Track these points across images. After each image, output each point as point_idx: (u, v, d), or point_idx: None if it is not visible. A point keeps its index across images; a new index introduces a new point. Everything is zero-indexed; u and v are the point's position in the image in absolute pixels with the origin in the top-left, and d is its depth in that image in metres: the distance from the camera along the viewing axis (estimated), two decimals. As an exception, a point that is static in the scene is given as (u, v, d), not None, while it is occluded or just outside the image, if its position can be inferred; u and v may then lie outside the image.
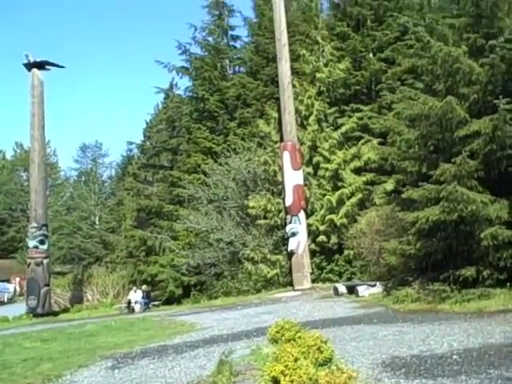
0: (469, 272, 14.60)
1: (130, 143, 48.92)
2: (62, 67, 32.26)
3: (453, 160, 15.99)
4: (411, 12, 28.32)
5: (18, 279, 51.58)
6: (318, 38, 28.70)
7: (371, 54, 29.49)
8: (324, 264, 25.02)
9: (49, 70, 31.38)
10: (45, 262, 29.44)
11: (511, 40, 16.21)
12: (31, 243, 29.53)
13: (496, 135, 15.45)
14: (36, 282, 28.76)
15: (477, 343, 9.71)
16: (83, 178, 70.58)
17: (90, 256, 48.00)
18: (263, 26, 35.04)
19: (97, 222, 59.44)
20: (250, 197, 26.95)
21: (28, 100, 31.01)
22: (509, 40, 16.22)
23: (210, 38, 37.78)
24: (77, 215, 57.38)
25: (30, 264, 29.37)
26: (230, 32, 38.30)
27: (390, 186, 23.62)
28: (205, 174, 31.28)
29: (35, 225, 29.71)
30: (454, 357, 8.77)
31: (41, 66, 30.65)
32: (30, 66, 30.19)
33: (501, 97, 15.28)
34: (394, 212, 18.55)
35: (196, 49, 37.30)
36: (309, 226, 24.43)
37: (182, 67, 36.87)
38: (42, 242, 29.55)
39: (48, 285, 29.49)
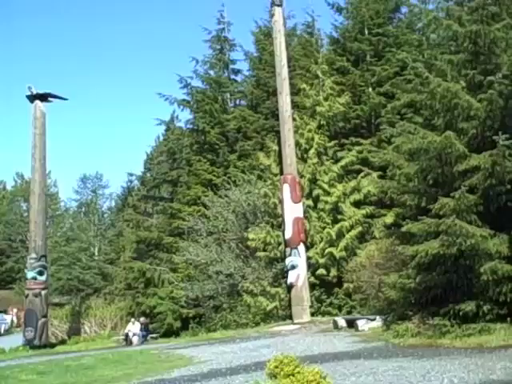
0: (469, 307, 14.55)
1: (131, 174, 49.12)
2: (65, 99, 32.56)
3: (452, 194, 16.04)
4: (410, 48, 28.81)
5: (15, 310, 51.29)
6: (318, 73, 29.06)
7: (371, 89, 29.81)
8: (323, 297, 24.91)
9: (51, 101, 31.66)
10: (43, 293, 29.30)
11: (509, 76, 16.43)
12: (30, 274, 29.42)
13: (495, 170, 15.54)
14: (34, 313, 28.57)
15: (477, 379, 9.61)
16: (83, 209, 70.69)
17: (89, 287, 47.80)
18: (264, 60, 35.50)
19: (96, 254, 59.31)
20: (249, 229, 26.95)
21: (30, 131, 31.23)
22: (506, 76, 16.43)
23: (212, 72, 38.21)
24: (76, 246, 57.28)
25: (28, 295, 29.22)
26: (231, 66, 38.81)
27: (389, 219, 23.68)
28: (205, 206, 31.31)
29: (34, 256, 29.65)
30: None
31: (43, 97, 30.93)
32: (32, 97, 30.46)
33: (500, 132, 15.43)
34: (393, 245, 18.58)
35: (197, 82, 37.70)
36: (308, 258, 24.38)
37: (184, 100, 37.19)
38: (40, 273, 29.45)
39: (46, 316, 29.30)
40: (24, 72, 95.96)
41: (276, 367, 8.12)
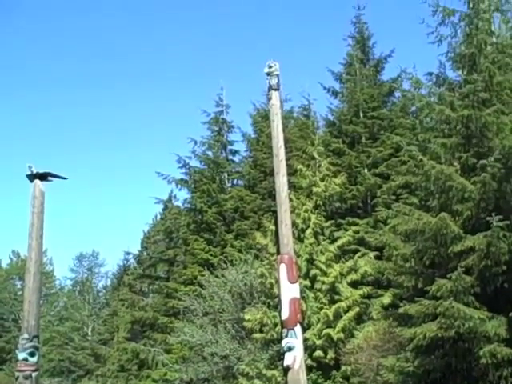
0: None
1: (128, 253, 49.01)
2: (65, 178, 32.89)
3: (449, 275, 16.10)
4: (404, 130, 29.45)
5: None
6: (315, 154, 29.49)
7: (366, 170, 30.22)
8: (321, 380, 24.20)
9: (51, 181, 31.97)
10: (34, 375, 28.16)
11: (501, 159, 16.80)
12: (21, 355, 28.50)
13: (490, 251, 15.70)
14: (23, 397, 27.75)
15: None
16: (78, 288, 69.87)
17: (81, 369, 46.59)
18: (261, 141, 36.20)
19: (89, 333, 58.25)
20: (246, 309, 26.60)
21: (27, 209, 31.26)
22: (498, 159, 16.81)
23: (210, 152, 38.86)
24: (69, 326, 56.24)
25: (18, 377, 28.13)
26: (229, 147, 39.56)
27: (386, 299, 23.46)
28: (201, 285, 31.05)
29: (26, 336, 28.83)
30: None
31: (43, 177, 31.28)
32: (32, 177, 30.79)
33: (493, 214, 15.65)
34: (391, 327, 18.41)
35: (195, 162, 38.33)
36: (305, 340, 23.79)
37: (182, 179, 37.68)
38: (32, 355, 28.54)
39: (35, 401, 28.43)
40: (22, 149, 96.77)
41: None
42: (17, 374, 29.42)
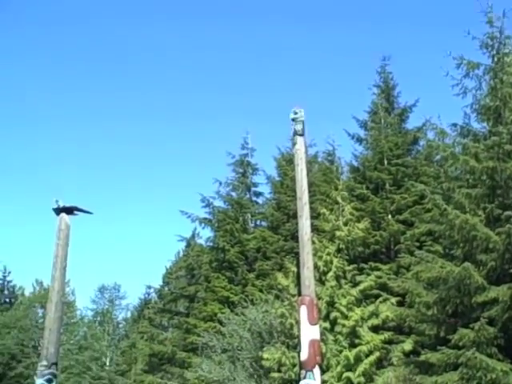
0: None
1: (149, 287, 49.43)
2: (90, 213, 33.63)
3: (471, 325, 16.22)
4: (428, 178, 29.59)
5: None
6: (338, 199, 29.75)
7: (390, 216, 30.42)
8: (339, 424, 24.11)
9: (77, 214, 32.73)
10: (51, 401, 28.75)
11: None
12: (38, 381, 28.68)
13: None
14: (40, 424, 27.90)
15: None
16: (98, 318, 70.31)
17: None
18: (285, 184, 36.66)
19: (107, 363, 58.35)
20: (264, 348, 26.69)
21: (53, 241, 31.91)
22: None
23: (234, 193, 39.42)
24: (88, 355, 56.42)
25: (35, 403, 28.70)
26: (253, 188, 40.04)
27: (408, 346, 23.28)
28: (220, 322, 31.20)
29: (45, 363, 29.11)
30: None
31: (69, 210, 32.05)
32: (58, 210, 31.57)
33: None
34: (411, 374, 18.43)
35: (219, 202, 38.83)
36: (324, 382, 23.82)
37: (205, 218, 38.09)
38: (49, 381, 28.85)
39: (52, 427, 28.54)
40: (48, 182, 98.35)
41: None
42: (34, 399, 29.79)
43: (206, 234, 39.39)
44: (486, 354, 15.56)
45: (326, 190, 31.76)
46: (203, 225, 38.35)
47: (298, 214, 28.68)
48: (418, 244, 25.77)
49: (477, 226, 18.25)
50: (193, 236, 42.48)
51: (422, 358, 17.73)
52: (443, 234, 20.30)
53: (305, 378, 23.57)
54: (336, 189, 30.43)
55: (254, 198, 40.09)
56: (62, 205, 34.12)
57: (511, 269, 16.34)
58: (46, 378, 29.59)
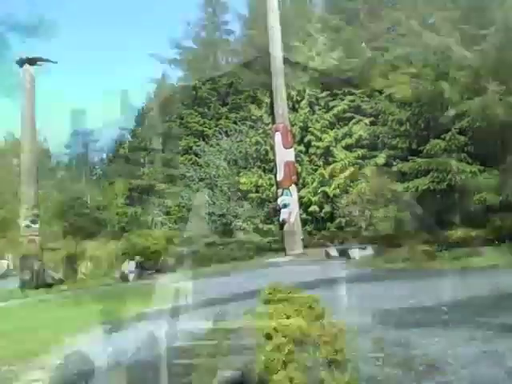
0: (458, 233, 15.65)
1: (123, 129, 49.43)
2: (54, 62, 33.27)
3: (443, 136, 17.20)
4: (404, 5, 29.23)
5: (10, 256, 51.25)
6: (311, 31, 29.64)
7: (364, 44, 30.29)
8: (315, 231, 25.54)
9: (40, 65, 32.29)
10: (37, 239, 29.89)
11: (502, 30, 17.49)
12: (24, 223, 29.98)
13: (485, 114, 16.66)
14: (29, 257, 29.18)
15: (465, 296, 10.15)
16: (74, 162, 70.86)
17: (83, 232, 48.01)
18: (256, 20, 35.98)
19: (88, 202, 59.74)
20: (241, 173, 27.79)
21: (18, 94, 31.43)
22: (500, 29, 17.51)
23: (203, 33, 38.82)
24: (68, 196, 57.37)
25: (22, 242, 29.84)
26: (224, 27, 39.49)
27: (380, 159, 24.08)
28: (196, 154, 32.13)
29: (26, 206, 30.19)
30: (443, 308, 9.21)
31: (33, 61, 31.61)
32: (21, 62, 31.15)
33: (490, 79, 16.56)
34: (384, 183, 19.54)
35: (189, 42, 38.39)
36: (300, 198, 24.98)
37: (175, 59, 37.86)
38: (33, 222, 30.01)
39: (41, 260, 29.91)
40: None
41: (270, 294, 8.30)
42: (21, 239, 30.83)
43: (176, 75, 39.31)
44: (456, 159, 16.67)
45: (299, 24, 31.47)
46: (173, 66, 38.19)
47: (270, 44, 28.46)
48: (391, 69, 26.08)
49: (452, 46, 18.70)
50: (163, 77, 42.24)
51: (395, 168, 18.77)
52: (418, 56, 20.68)
53: (282, 195, 25.20)
54: (309, 21, 30.25)
55: (225, 36, 39.62)
56: (24, 56, 33.27)
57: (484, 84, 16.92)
58: (30, 219, 30.34)
